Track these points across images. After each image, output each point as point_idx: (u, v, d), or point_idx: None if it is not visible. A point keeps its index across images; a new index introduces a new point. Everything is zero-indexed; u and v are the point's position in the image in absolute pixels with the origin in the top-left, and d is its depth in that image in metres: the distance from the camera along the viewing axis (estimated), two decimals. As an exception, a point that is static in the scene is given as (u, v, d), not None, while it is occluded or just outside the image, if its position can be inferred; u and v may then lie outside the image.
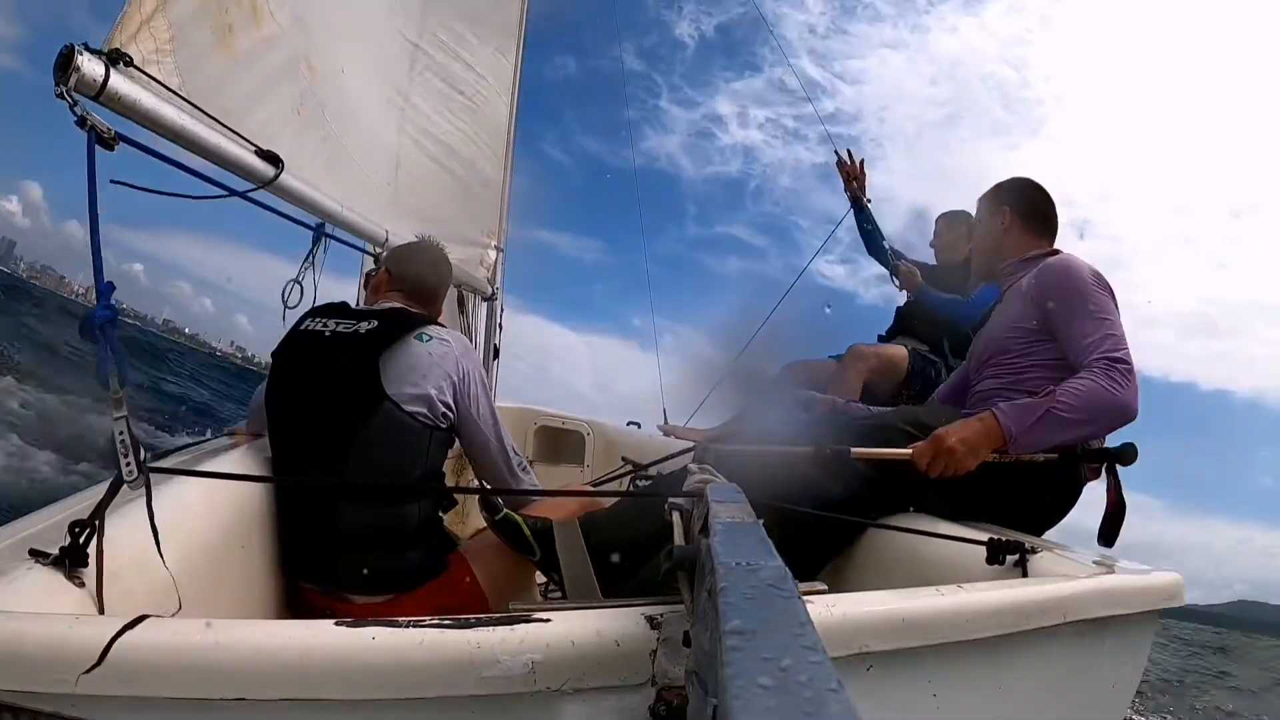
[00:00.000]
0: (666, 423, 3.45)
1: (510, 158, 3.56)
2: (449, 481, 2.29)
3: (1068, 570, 1.10)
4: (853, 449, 1.45)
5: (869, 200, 3.37)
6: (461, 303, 3.38)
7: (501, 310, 3.87)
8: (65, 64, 1.12)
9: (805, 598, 0.80)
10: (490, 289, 3.57)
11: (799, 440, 1.53)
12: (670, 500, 0.91)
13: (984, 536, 1.17)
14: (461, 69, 3.12)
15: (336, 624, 0.67)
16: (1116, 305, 1.69)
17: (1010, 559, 1.15)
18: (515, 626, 0.68)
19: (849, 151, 3.41)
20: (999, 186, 2.02)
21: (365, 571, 1.57)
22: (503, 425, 1.83)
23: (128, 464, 0.87)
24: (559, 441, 4.25)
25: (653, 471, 2.69)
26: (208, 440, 1.87)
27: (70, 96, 1.13)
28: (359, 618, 0.70)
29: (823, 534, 1.50)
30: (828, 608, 0.79)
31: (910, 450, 1.51)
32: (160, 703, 0.64)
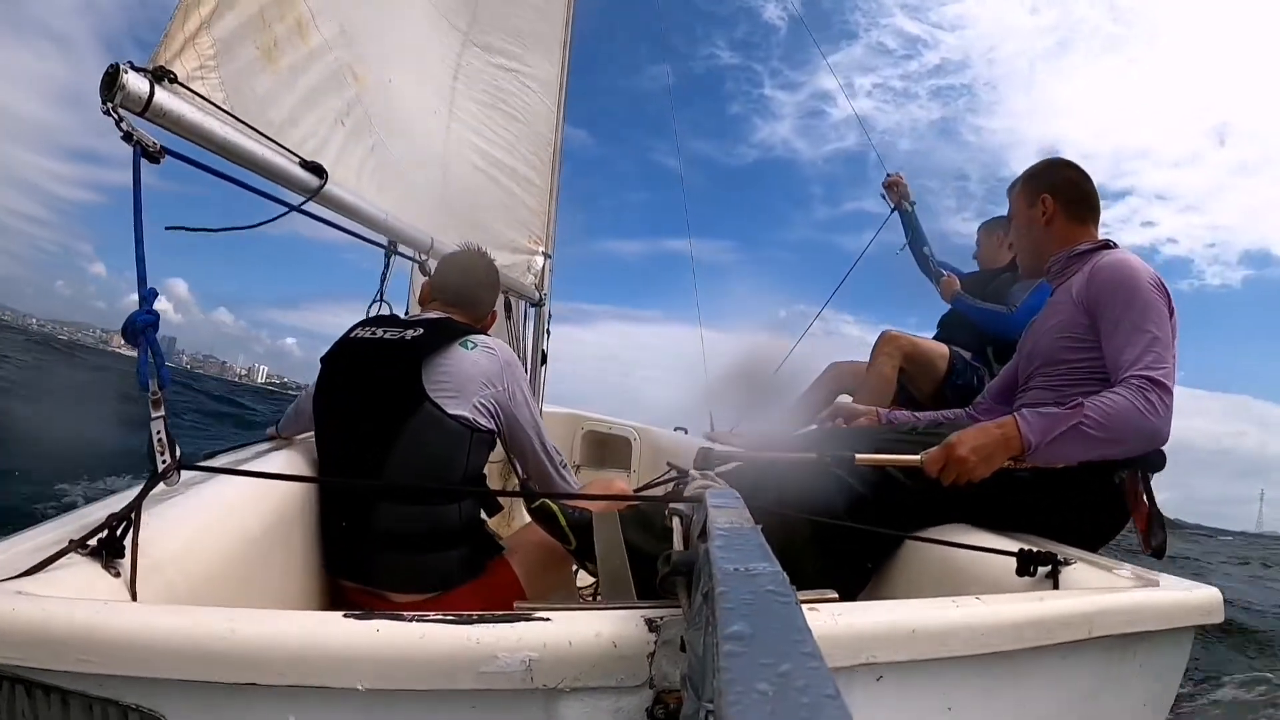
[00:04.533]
0: (712, 429, 3.46)
1: (558, 165, 3.59)
2: (494, 485, 2.33)
3: (1101, 583, 1.05)
4: (857, 455, 1.38)
5: (913, 204, 3.39)
6: (509, 308, 3.42)
7: (550, 316, 3.92)
8: (111, 82, 1.17)
9: (811, 606, 0.78)
10: (538, 295, 3.61)
11: (804, 447, 1.48)
12: (670, 506, 0.90)
13: (1015, 547, 1.13)
14: (506, 78, 3.15)
15: (345, 616, 0.68)
16: (1173, 313, 1.56)
17: (1042, 570, 1.11)
18: (515, 624, 0.69)
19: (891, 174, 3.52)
20: (1032, 173, 1.89)
21: (403, 569, 1.61)
22: (544, 427, 1.87)
23: (163, 460, 0.91)
24: (606, 446, 4.27)
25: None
26: (251, 443, 1.94)
27: (116, 113, 1.18)
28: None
29: (863, 545, 1.46)
30: (833, 617, 0.76)
31: (920, 457, 1.43)
32: (177, 685, 0.66)
